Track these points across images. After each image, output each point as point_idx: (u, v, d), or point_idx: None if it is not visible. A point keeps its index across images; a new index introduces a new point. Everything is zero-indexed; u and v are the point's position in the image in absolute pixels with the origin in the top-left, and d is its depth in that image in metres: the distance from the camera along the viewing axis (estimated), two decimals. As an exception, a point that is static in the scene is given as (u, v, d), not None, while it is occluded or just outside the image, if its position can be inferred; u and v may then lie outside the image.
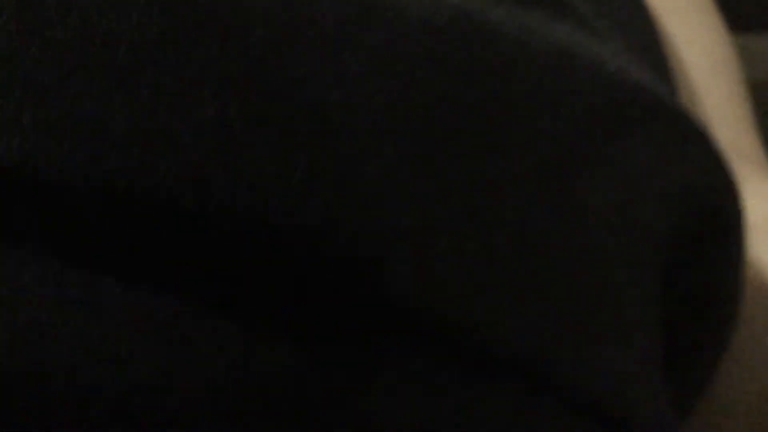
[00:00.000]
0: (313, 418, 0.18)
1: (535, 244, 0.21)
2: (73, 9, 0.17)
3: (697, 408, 0.30)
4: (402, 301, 0.19)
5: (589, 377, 0.22)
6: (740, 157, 0.38)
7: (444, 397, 0.20)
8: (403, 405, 0.20)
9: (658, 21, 0.40)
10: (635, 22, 0.39)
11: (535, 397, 0.22)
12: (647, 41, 0.39)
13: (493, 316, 0.20)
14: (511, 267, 0.21)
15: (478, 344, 0.20)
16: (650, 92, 0.24)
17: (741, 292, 0.29)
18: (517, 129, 0.21)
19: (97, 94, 0.17)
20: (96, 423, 0.17)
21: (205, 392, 0.17)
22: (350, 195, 0.18)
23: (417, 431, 0.20)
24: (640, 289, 0.24)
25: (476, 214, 0.20)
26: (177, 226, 0.17)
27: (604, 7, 0.36)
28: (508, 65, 0.21)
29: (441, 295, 0.20)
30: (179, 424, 0.17)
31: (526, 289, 0.21)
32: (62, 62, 0.17)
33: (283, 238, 0.18)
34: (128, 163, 0.17)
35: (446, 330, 0.20)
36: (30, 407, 0.17)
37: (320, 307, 0.19)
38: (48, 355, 0.17)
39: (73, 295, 0.17)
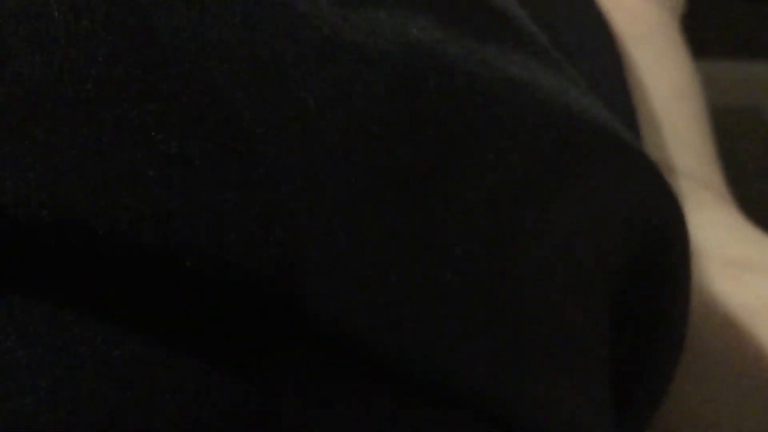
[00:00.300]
0: None
1: (482, 278, 0.21)
2: (43, 44, 0.17)
3: None
4: (353, 341, 0.19)
5: (536, 409, 0.23)
6: (701, 185, 0.39)
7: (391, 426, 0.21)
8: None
9: (623, 48, 0.41)
10: (600, 49, 0.39)
11: (476, 426, 0.22)
12: (610, 69, 0.39)
13: (438, 350, 0.21)
14: (459, 301, 0.21)
15: (424, 378, 0.21)
16: (602, 126, 0.25)
17: (687, 317, 0.29)
18: (467, 162, 0.22)
19: (65, 130, 0.17)
20: None
21: (162, 428, 0.18)
22: (307, 230, 0.19)
23: None
24: (589, 320, 0.25)
25: (423, 248, 0.20)
26: (137, 262, 0.18)
27: (568, 36, 0.37)
28: (461, 99, 0.22)
29: (386, 331, 0.20)
30: None
31: (473, 324, 0.21)
32: (30, 97, 0.17)
33: (241, 276, 0.18)
34: (93, 199, 0.17)
35: (393, 365, 0.20)
36: None
37: (265, 340, 0.19)
38: (9, 394, 0.17)
39: (34, 332, 0.17)
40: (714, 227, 0.36)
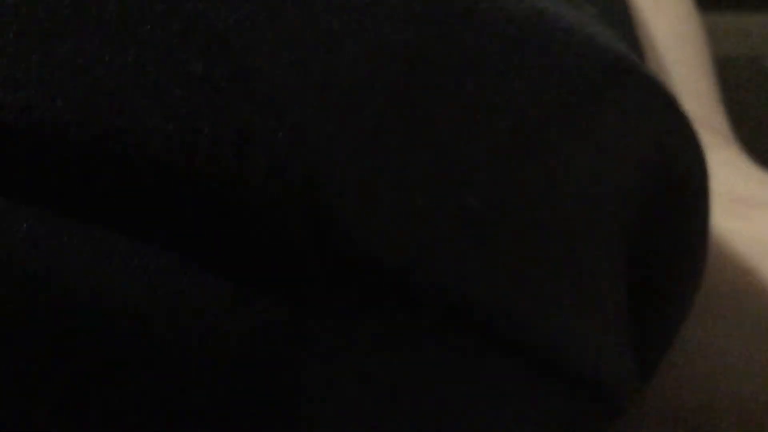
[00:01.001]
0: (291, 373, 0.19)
1: (505, 204, 0.22)
2: None
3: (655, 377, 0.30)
4: (371, 257, 0.20)
5: (556, 337, 0.23)
6: (705, 127, 0.39)
7: (410, 353, 0.21)
8: (375, 356, 0.20)
9: None
10: None
11: (500, 357, 0.22)
12: (617, 11, 0.39)
13: (459, 273, 0.21)
14: (480, 226, 0.21)
15: (442, 301, 0.21)
16: (623, 57, 0.25)
17: (705, 257, 0.29)
18: (492, 90, 0.22)
19: (88, 49, 0.17)
20: (92, 372, 0.17)
21: (194, 341, 0.18)
22: (335, 149, 0.19)
23: (376, 385, 0.20)
24: (607, 253, 0.25)
25: (447, 172, 0.21)
26: (166, 182, 0.18)
27: None
28: (486, 26, 0.22)
29: (409, 253, 0.20)
30: (168, 374, 0.18)
31: (495, 249, 0.21)
32: (54, 18, 0.17)
33: (268, 197, 0.18)
34: (120, 119, 0.17)
35: (411, 287, 0.20)
36: (33, 359, 0.17)
37: (294, 266, 0.19)
38: (48, 306, 0.17)
39: (69, 245, 0.17)
40: (720, 166, 0.37)
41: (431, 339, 0.21)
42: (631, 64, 0.25)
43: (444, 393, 0.22)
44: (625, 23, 0.39)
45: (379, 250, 0.20)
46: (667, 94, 0.26)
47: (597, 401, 0.25)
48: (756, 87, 0.54)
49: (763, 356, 0.31)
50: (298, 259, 0.19)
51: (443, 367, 0.21)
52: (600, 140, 0.24)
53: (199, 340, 0.18)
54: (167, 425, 0.18)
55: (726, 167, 0.37)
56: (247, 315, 0.18)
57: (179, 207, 0.18)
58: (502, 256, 0.22)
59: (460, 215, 0.21)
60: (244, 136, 0.18)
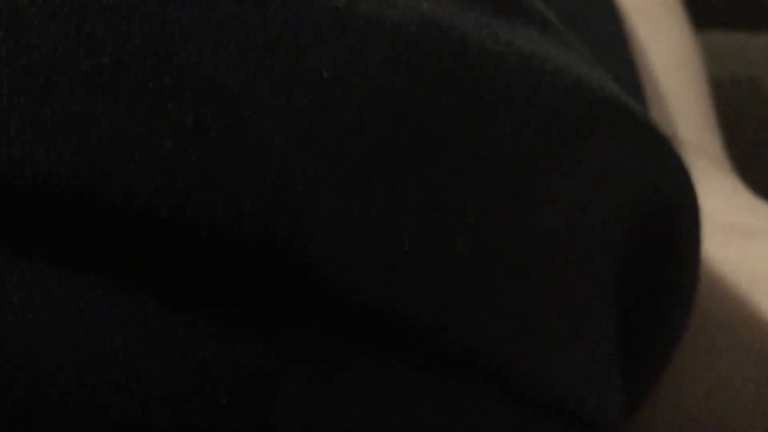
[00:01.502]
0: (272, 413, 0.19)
1: (492, 246, 0.22)
2: (59, 15, 0.18)
3: (648, 403, 0.31)
4: (365, 303, 0.20)
5: (547, 375, 0.23)
6: (700, 154, 0.39)
7: (400, 394, 0.21)
8: (360, 399, 0.20)
9: (625, 19, 0.41)
10: (603, 22, 0.39)
11: (491, 395, 0.23)
12: (614, 42, 0.39)
13: (449, 314, 0.21)
14: (468, 268, 0.21)
15: (432, 341, 0.21)
16: (611, 98, 0.25)
17: (695, 287, 0.30)
18: (480, 134, 0.22)
19: (81, 101, 0.17)
20: (77, 419, 0.18)
21: (178, 387, 0.18)
22: (322, 196, 0.19)
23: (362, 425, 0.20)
24: (597, 288, 0.25)
25: (435, 216, 0.21)
26: (153, 231, 0.18)
27: (571, 10, 0.37)
28: (473, 71, 0.22)
29: (407, 297, 0.20)
30: (155, 419, 0.18)
31: (482, 290, 0.22)
32: (48, 69, 0.17)
33: (254, 245, 0.19)
34: (110, 170, 0.17)
35: (400, 328, 0.21)
36: (14, 403, 0.17)
37: (285, 309, 0.19)
38: (34, 354, 0.17)
39: (57, 295, 0.18)
40: (714, 195, 0.37)
41: (421, 380, 0.21)
42: (620, 104, 0.25)
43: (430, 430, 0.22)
44: (621, 52, 0.39)
45: (366, 295, 0.20)
46: (657, 133, 0.26)
47: None
48: (754, 108, 0.54)
49: (753, 384, 0.32)
50: (282, 306, 0.19)
51: (430, 406, 0.22)
52: (588, 180, 0.24)
53: (185, 387, 0.18)
54: None
55: (720, 195, 0.37)
56: (235, 359, 0.19)
57: (167, 257, 0.18)
58: (491, 297, 0.22)
59: (448, 258, 0.21)
60: (233, 188, 0.18)
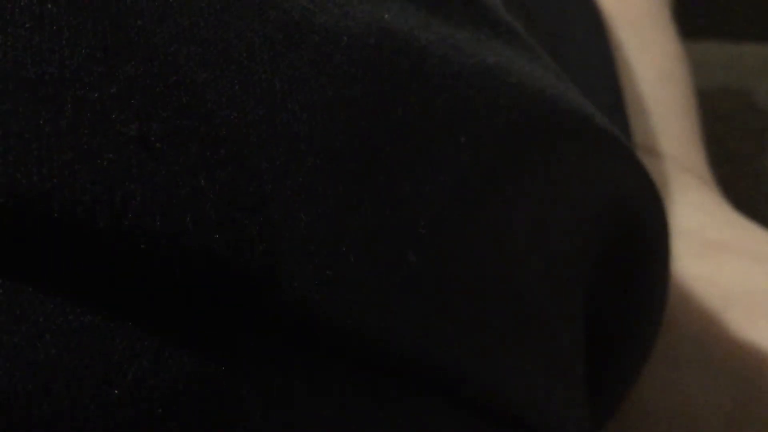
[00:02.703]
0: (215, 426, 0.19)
1: (446, 259, 0.22)
2: (7, 27, 0.18)
3: (617, 416, 0.30)
4: (316, 314, 0.20)
5: (504, 389, 0.23)
6: (682, 169, 0.39)
7: (356, 411, 0.21)
8: (311, 413, 0.20)
9: (613, 31, 0.41)
10: (587, 32, 0.39)
11: (449, 411, 0.22)
12: (597, 52, 0.39)
13: (406, 329, 0.21)
14: (421, 282, 0.21)
15: (387, 356, 0.21)
16: (575, 110, 0.25)
17: (664, 303, 0.30)
18: (435, 145, 0.22)
19: (24, 112, 0.17)
20: (8, 428, 0.18)
21: (116, 398, 0.18)
22: (266, 210, 0.19)
23: None
24: (561, 301, 0.25)
25: (386, 229, 0.21)
26: (93, 241, 0.18)
27: (555, 22, 0.37)
28: (432, 82, 0.22)
29: (353, 308, 0.20)
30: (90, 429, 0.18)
31: (435, 304, 0.22)
32: None
33: (196, 254, 0.18)
34: (49, 180, 0.17)
35: (357, 343, 0.20)
36: None
37: (223, 319, 0.19)
38: None
39: None
40: (693, 210, 0.37)
41: (376, 394, 0.21)
42: (583, 115, 0.25)
43: None
44: (604, 65, 0.39)
45: (317, 306, 0.20)
46: (623, 147, 0.26)
47: None
48: (745, 119, 0.54)
49: (722, 400, 0.31)
50: (222, 316, 0.19)
51: (383, 419, 0.21)
52: (550, 191, 0.24)
53: (123, 397, 0.18)
54: None
55: (699, 210, 0.37)
56: (172, 370, 0.19)
57: (107, 267, 0.18)
58: (445, 311, 0.22)
59: (399, 271, 0.21)
60: (174, 200, 0.18)
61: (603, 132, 0.26)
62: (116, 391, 0.18)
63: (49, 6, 0.18)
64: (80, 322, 0.18)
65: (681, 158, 0.39)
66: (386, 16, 0.22)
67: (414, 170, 0.21)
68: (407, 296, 0.21)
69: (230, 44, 0.19)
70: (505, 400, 0.23)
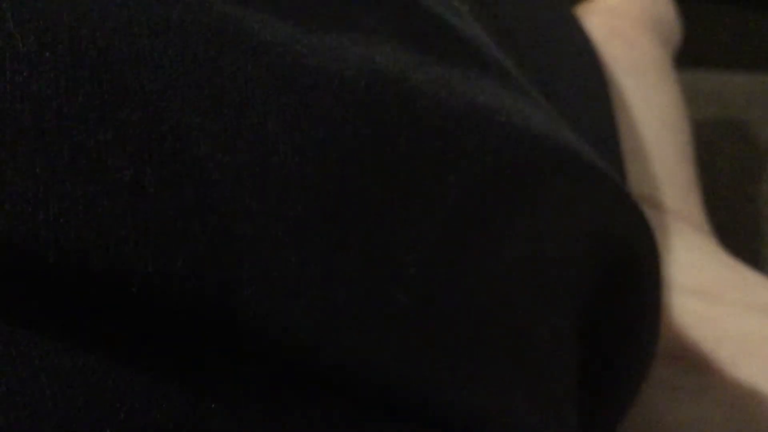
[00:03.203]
0: None
1: (436, 297, 0.22)
2: (6, 75, 0.18)
3: None
4: (309, 354, 0.20)
5: (497, 423, 0.23)
6: (678, 217, 0.40)
7: None
8: None
9: (616, 76, 0.41)
10: (582, 75, 0.39)
11: None
12: (592, 94, 0.39)
13: (398, 366, 0.21)
14: (410, 320, 0.21)
15: (380, 393, 0.21)
16: (565, 147, 0.25)
17: (657, 331, 0.30)
18: (425, 184, 0.22)
19: (21, 159, 0.18)
20: None
21: None
22: (257, 253, 0.19)
23: None
24: (555, 333, 0.25)
25: (374, 269, 0.21)
26: (86, 284, 0.18)
27: (552, 64, 0.37)
28: (423, 123, 0.22)
29: (346, 349, 0.20)
30: None
31: (425, 341, 0.22)
32: None
33: (187, 296, 0.19)
34: (45, 228, 0.18)
35: (350, 382, 0.21)
36: None
37: (214, 358, 0.19)
38: None
39: None
40: (690, 252, 0.37)
41: (360, 424, 0.21)
42: (571, 152, 0.25)
43: None
44: (601, 108, 0.39)
45: (320, 348, 0.20)
46: (611, 180, 0.27)
47: None
48: (736, 149, 0.55)
49: (718, 429, 0.32)
50: (222, 357, 0.19)
51: None
52: (539, 229, 0.24)
53: None
54: None
55: (695, 252, 0.37)
56: (164, 408, 0.19)
57: (99, 308, 0.18)
58: (435, 346, 0.22)
59: (389, 311, 0.21)
60: (167, 244, 0.18)
61: (591, 167, 0.26)
62: (108, 430, 0.18)
63: (48, 54, 0.18)
64: (74, 363, 0.18)
65: (677, 206, 0.39)
66: (378, 57, 0.22)
67: (402, 211, 0.22)
68: (398, 333, 0.21)
69: (223, 89, 0.20)
70: None
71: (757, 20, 0.78)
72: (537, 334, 0.24)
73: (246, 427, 0.20)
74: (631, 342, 0.29)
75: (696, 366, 0.33)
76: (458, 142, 0.23)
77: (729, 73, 0.58)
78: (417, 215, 0.22)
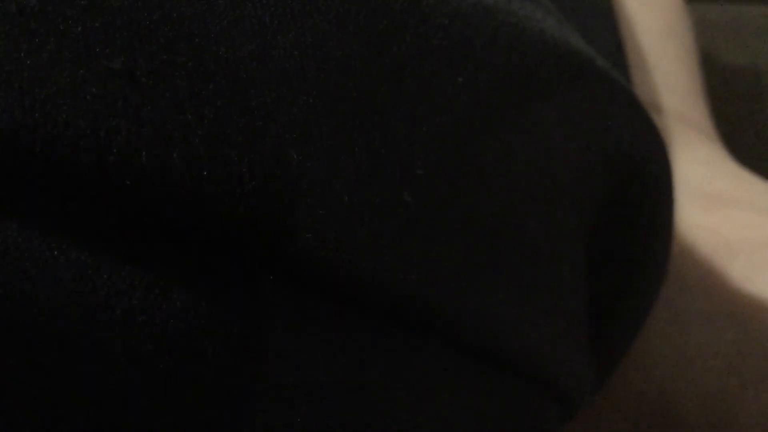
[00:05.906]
0: (210, 369, 0.19)
1: (443, 199, 0.21)
2: None
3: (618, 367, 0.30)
4: (309, 254, 0.19)
5: (508, 335, 0.23)
6: (686, 123, 0.39)
7: (357, 354, 0.21)
8: (308, 358, 0.20)
9: None
10: None
11: (454, 356, 0.22)
12: (597, 6, 0.39)
13: (402, 270, 0.21)
14: (417, 221, 0.21)
15: (385, 298, 0.21)
16: (576, 52, 0.24)
17: (669, 251, 0.29)
18: (432, 85, 0.21)
19: (5, 44, 0.17)
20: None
21: (101, 333, 0.18)
22: (256, 148, 0.19)
23: (324, 384, 0.20)
24: (563, 248, 0.25)
25: (381, 169, 0.20)
26: (78, 177, 0.18)
27: None
28: (428, 21, 0.22)
29: (347, 249, 0.20)
30: (77, 367, 0.18)
31: (433, 244, 0.21)
32: None
33: (186, 192, 0.18)
34: (31, 114, 0.17)
35: (352, 284, 0.20)
36: None
37: (223, 259, 0.19)
38: None
39: None
40: (697, 163, 0.37)
41: (382, 338, 0.21)
42: (585, 58, 0.24)
43: (397, 389, 0.21)
44: (605, 18, 0.38)
45: (308, 245, 0.19)
46: (624, 89, 0.26)
47: (554, 401, 0.25)
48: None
49: (724, 348, 0.31)
50: (223, 256, 0.19)
51: (396, 364, 0.21)
52: (549, 136, 0.24)
53: (119, 332, 0.18)
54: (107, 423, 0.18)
55: (703, 163, 0.37)
56: (163, 308, 0.18)
57: (93, 203, 0.18)
58: (444, 251, 0.21)
59: (396, 212, 0.20)
60: (160, 135, 0.18)
61: (605, 76, 0.25)
62: (102, 326, 0.18)
63: None
64: (66, 257, 0.18)
65: (684, 113, 0.39)
66: None
67: (410, 111, 0.21)
68: (404, 236, 0.21)
69: None
70: (507, 346, 0.23)
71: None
72: (547, 244, 0.24)
73: (249, 333, 0.19)
74: (643, 264, 0.28)
75: (704, 285, 0.32)
76: (467, 43, 0.22)
77: (744, 4, 0.57)
78: (424, 116, 0.21)
